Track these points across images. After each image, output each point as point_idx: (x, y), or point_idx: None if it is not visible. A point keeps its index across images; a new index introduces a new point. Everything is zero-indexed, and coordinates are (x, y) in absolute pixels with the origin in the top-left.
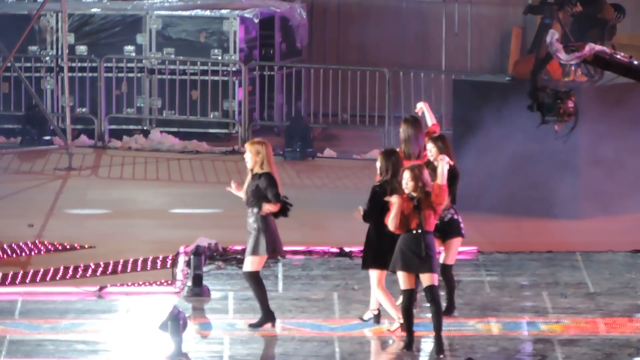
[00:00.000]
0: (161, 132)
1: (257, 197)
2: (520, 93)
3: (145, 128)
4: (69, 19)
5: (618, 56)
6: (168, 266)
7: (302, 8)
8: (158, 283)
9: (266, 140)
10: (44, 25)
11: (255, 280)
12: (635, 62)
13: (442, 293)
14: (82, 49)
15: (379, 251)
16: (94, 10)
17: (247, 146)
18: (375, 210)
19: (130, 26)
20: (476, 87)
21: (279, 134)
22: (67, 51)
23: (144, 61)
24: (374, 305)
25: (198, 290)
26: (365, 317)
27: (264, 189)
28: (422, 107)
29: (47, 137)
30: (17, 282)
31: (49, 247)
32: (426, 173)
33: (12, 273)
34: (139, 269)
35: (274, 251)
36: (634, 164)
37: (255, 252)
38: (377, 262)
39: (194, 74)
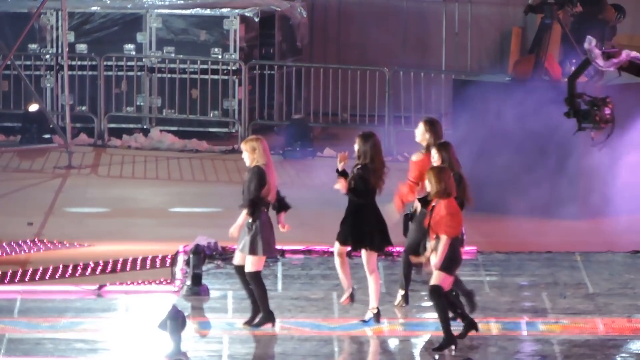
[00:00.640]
0: (161, 130)
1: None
2: (520, 93)
3: (145, 127)
4: (69, 17)
5: None
6: (167, 265)
7: (302, 7)
8: (157, 282)
9: (260, 136)
10: (44, 24)
11: (258, 280)
12: None
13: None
14: (82, 48)
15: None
16: (94, 8)
17: (242, 146)
18: (364, 189)
19: (130, 25)
20: (476, 87)
21: (279, 133)
22: (67, 49)
23: (144, 60)
24: (374, 304)
25: (197, 289)
26: (366, 317)
27: (249, 181)
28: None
29: (47, 136)
30: (16, 281)
31: (49, 245)
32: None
33: (11, 271)
34: (138, 268)
35: (270, 252)
36: (634, 164)
37: (253, 252)
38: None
39: (194, 73)
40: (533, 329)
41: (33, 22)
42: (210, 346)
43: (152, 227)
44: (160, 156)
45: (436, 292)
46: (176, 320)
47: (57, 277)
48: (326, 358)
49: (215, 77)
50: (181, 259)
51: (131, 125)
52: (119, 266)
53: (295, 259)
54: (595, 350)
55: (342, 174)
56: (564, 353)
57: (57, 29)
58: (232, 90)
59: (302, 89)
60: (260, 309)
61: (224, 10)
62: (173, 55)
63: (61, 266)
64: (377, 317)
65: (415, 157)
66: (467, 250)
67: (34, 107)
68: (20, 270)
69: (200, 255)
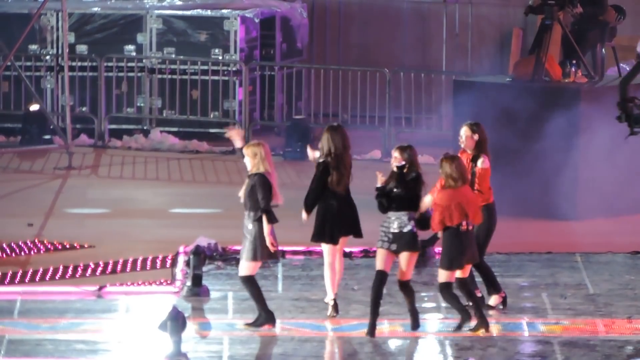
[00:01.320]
0: (161, 131)
1: (253, 199)
2: (520, 94)
3: (145, 128)
4: (70, 18)
5: None
6: (167, 266)
7: (303, 8)
8: (157, 283)
9: (262, 140)
10: (45, 24)
11: (251, 283)
12: None
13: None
14: (82, 48)
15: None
16: (95, 9)
17: (244, 150)
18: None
19: (131, 25)
20: (476, 88)
21: (279, 134)
22: (67, 50)
23: (144, 61)
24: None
25: (197, 290)
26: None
27: (255, 189)
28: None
29: (47, 137)
30: (16, 282)
31: (49, 246)
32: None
33: (11, 272)
34: (138, 269)
35: (270, 256)
36: (634, 165)
37: (252, 257)
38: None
39: (194, 74)
40: (533, 329)
41: (33, 22)
42: (210, 347)
43: (152, 228)
44: (161, 157)
45: (442, 289)
46: (176, 321)
47: (57, 278)
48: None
49: (216, 78)
50: (181, 259)
51: (131, 126)
52: (119, 267)
53: (296, 260)
54: (596, 351)
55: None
56: (564, 354)
57: (57, 29)
58: (232, 91)
59: (302, 90)
60: (260, 311)
61: (225, 11)
62: (173, 56)
63: (61, 267)
64: (335, 308)
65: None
66: None
67: (35, 107)
68: (21, 271)
69: (201, 256)
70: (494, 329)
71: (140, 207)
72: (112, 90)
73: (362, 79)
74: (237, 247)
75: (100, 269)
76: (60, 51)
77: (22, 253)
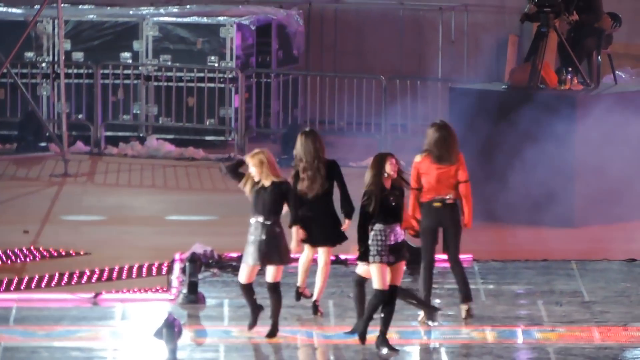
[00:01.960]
0: (157, 139)
1: (279, 205)
2: (517, 101)
3: (141, 135)
4: (66, 25)
5: None
6: (163, 273)
7: (299, 15)
8: (153, 290)
9: (265, 149)
10: (41, 32)
11: (278, 290)
12: None
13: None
14: (78, 56)
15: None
16: (91, 16)
17: (249, 160)
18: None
19: (127, 33)
20: (472, 95)
21: (276, 141)
22: (63, 57)
23: (140, 68)
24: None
25: (193, 297)
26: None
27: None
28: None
29: (43, 144)
30: (12, 289)
31: (45, 253)
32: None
33: (7, 279)
34: (134, 276)
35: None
36: (630, 172)
37: (282, 260)
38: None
39: (190, 81)
40: (529, 337)
41: (30, 30)
42: (206, 354)
43: (148, 235)
44: (157, 164)
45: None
46: (172, 328)
47: (53, 285)
48: None
49: (212, 85)
50: (177, 267)
51: (128, 134)
52: (115, 274)
53: (292, 267)
54: (591, 358)
55: None
56: None
57: (53, 36)
58: (228, 99)
59: (298, 97)
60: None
61: (221, 18)
62: (169, 63)
63: (57, 274)
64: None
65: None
66: (463, 258)
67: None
68: (16, 279)
69: (197, 264)
70: (490, 335)
71: (136, 215)
72: (108, 98)
73: (358, 86)
74: (233, 254)
75: (96, 276)
76: (56, 58)
77: (18, 260)
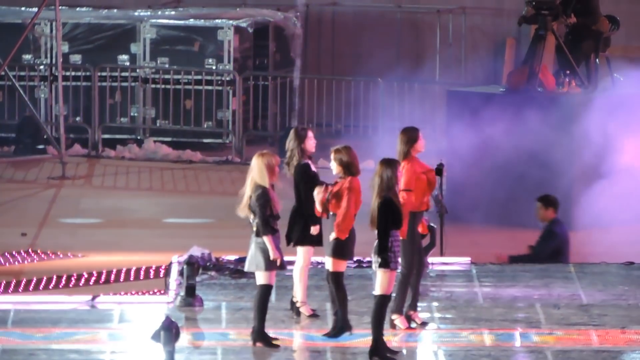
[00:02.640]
0: (155, 141)
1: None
2: (514, 104)
3: (138, 137)
4: (63, 28)
5: None
6: (161, 276)
7: (296, 18)
8: (151, 293)
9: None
10: (38, 34)
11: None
12: None
13: None
14: (76, 58)
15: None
16: (88, 19)
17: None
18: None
19: (125, 35)
20: (470, 98)
21: (273, 144)
22: (61, 60)
23: (138, 70)
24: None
25: (191, 300)
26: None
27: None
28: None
29: (41, 146)
30: (10, 291)
31: (42, 256)
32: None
33: (5, 282)
34: (131, 279)
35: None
36: (628, 176)
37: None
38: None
39: (187, 84)
40: (527, 340)
41: (27, 32)
42: (203, 357)
43: (146, 237)
44: (154, 167)
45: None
46: (170, 331)
47: (50, 287)
48: None
49: (209, 87)
50: (175, 269)
51: (125, 136)
52: (112, 277)
53: (289, 270)
54: None
55: None
56: None
57: (51, 39)
58: (226, 101)
59: (295, 100)
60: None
61: (218, 21)
62: (167, 65)
63: (55, 277)
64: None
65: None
66: (461, 261)
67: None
68: (14, 281)
69: (194, 266)
70: (488, 338)
71: (133, 217)
72: (105, 100)
73: (355, 88)
74: (231, 257)
75: (93, 278)
76: (54, 61)
77: (16, 262)
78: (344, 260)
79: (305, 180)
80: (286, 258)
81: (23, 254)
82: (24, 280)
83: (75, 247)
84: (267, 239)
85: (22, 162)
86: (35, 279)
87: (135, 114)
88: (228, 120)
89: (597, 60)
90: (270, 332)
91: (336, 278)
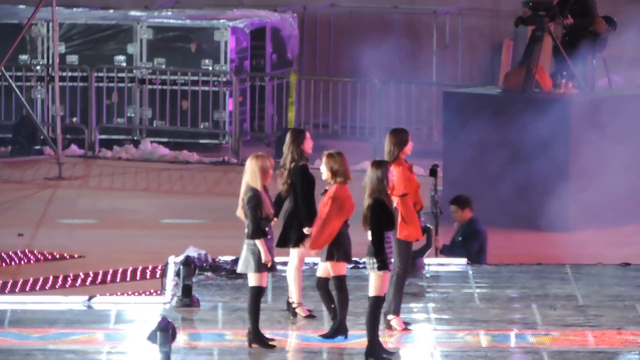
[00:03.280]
0: (151, 142)
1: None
2: (511, 105)
3: (135, 138)
4: (60, 29)
5: None
6: (157, 276)
7: (293, 19)
8: (147, 293)
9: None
10: (35, 35)
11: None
12: None
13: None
14: (72, 59)
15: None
16: (85, 19)
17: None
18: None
19: (121, 36)
20: (467, 99)
21: (270, 145)
22: (57, 60)
23: (134, 71)
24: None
25: (187, 300)
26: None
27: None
28: None
29: (38, 147)
30: (6, 292)
31: (39, 256)
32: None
33: (1, 282)
34: (128, 279)
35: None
36: (624, 177)
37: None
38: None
39: (184, 84)
40: (523, 341)
41: (24, 33)
42: (200, 358)
43: (142, 238)
44: (151, 167)
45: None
46: (166, 331)
47: (47, 288)
48: None
49: (206, 88)
50: (171, 270)
51: (122, 137)
52: (109, 277)
53: (281, 271)
54: None
55: None
56: None
57: (48, 40)
58: (222, 102)
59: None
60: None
61: (215, 21)
62: (164, 66)
63: (51, 277)
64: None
65: None
66: (457, 262)
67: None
68: (11, 281)
69: (191, 267)
70: (484, 339)
71: (130, 218)
72: (102, 101)
73: (352, 89)
74: (227, 258)
75: (90, 279)
76: (50, 61)
77: (13, 263)
78: (343, 263)
79: (303, 181)
80: (278, 259)
81: (20, 254)
82: (21, 280)
83: (71, 248)
84: (258, 242)
85: (19, 162)
86: (31, 279)
87: (132, 115)
88: (225, 121)
89: (594, 61)
90: (267, 332)
91: (339, 282)
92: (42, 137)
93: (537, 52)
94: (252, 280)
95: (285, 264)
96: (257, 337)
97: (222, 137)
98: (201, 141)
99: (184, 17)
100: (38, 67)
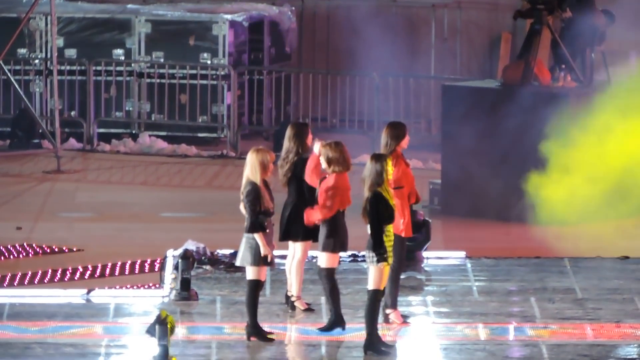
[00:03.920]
0: (150, 135)
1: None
2: (509, 99)
3: (134, 132)
4: (58, 22)
5: None
6: (156, 270)
7: (291, 12)
8: (146, 286)
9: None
10: (33, 28)
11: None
12: None
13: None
14: (71, 52)
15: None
16: (83, 13)
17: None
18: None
19: (120, 29)
20: (465, 93)
21: (268, 139)
22: (56, 54)
23: (133, 65)
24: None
25: (186, 294)
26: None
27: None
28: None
29: (36, 140)
30: (5, 285)
31: (38, 250)
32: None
33: (0, 276)
34: (127, 273)
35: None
36: (623, 170)
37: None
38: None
39: (182, 78)
40: (521, 334)
41: (22, 26)
42: (198, 351)
43: (141, 231)
44: (149, 161)
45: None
46: (164, 325)
47: (46, 281)
48: None
49: (204, 82)
50: (170, 263)
51: (120, 130)
52: (107, 271)
53: (284, 264)
54: (584, 355)
55: None
56: (552, 358)
57: (46, 33)
58: (221, 96)
59: (291, 95)
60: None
61: (213, 15)
62: (162, 60)
63: (50, 270)
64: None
65: None
66: (456, 255)
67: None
68: (9, 275)
69: (189, 260)
70: (483, 333)
71: (128, 211)
72: (100, 94)
73: (350, 83)
74: (226, 251)
75: (88, 272)
76: (49, 55)
77: (11, 256)
78: (335, 254)
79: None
80: (277, 253)
81: (18, 247)
82: (19, 274)
83: (70, 241)
84: (257, 236)
85: (17, 156)
86: (30, 272)
87: (130, 108)
88: (223, 115)
89: (593, 54)
90: (265, 326)
91: (328, 273)
92: (40, 131)
93: (536, 46)
94: (250, 273)
95: (284, 257)
96: (255, 331)
97: (221, 131)
98: (199, 135)
99: (183, 10)
100: (36, 61)
